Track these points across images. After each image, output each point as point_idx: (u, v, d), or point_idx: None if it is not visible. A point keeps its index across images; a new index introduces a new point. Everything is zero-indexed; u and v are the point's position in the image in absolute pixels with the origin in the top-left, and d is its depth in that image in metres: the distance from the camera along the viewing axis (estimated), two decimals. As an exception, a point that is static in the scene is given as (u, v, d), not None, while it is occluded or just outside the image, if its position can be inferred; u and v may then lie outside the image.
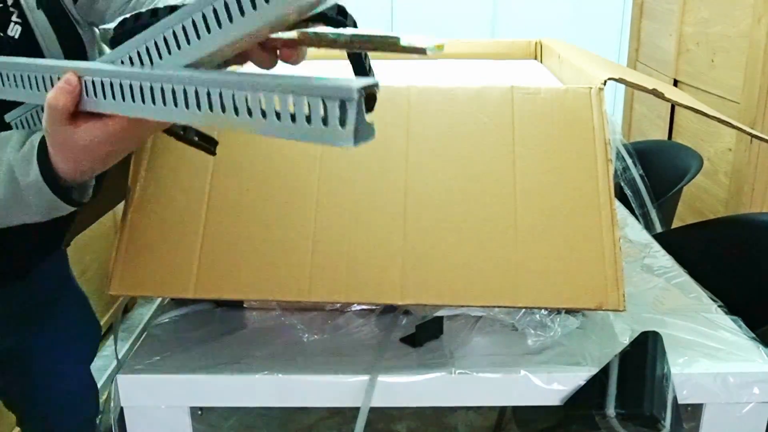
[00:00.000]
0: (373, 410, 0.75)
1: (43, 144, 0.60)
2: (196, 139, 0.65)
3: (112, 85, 0.53)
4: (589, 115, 0.82)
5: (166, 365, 0.78)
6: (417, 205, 0.80)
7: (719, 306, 0.89)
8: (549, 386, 0.75)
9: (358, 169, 0.82)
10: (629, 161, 1.22)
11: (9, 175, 0.61)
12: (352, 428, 0.75)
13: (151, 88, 0.50)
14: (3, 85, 0.62)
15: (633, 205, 1.25)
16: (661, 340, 0.78)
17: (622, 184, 1.22)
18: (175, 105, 0.49)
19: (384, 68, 1.30)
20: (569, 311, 0.83)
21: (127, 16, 0.61)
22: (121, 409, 0.77)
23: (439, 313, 0.83)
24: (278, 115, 0.42)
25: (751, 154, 1.48)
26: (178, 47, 0.50)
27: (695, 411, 0.77)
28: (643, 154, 1.33)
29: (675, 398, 0.73)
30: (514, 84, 0.84)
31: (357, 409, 0.75)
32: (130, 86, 0.51)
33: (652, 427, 0.71)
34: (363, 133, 0.40)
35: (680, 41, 1.88)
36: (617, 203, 0.96)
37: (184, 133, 0.65)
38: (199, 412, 0.80)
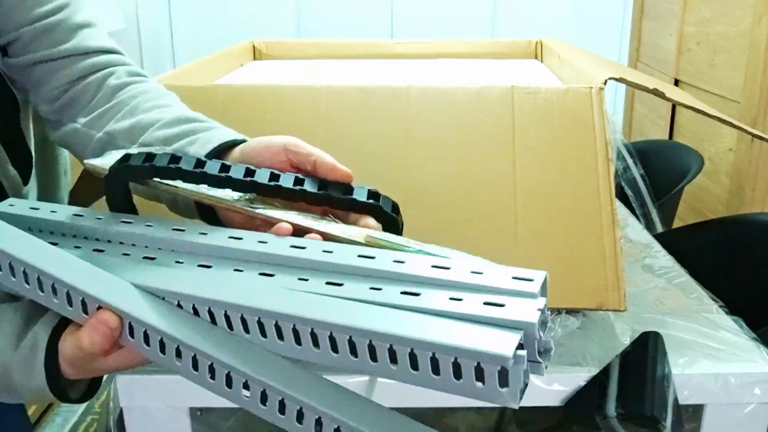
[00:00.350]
0: (373, 411, 0.75)
1: (50, 348, 0.50)
2: None
3: (166, 344, 0.43)
4: (590, 114, 0.82)
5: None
6: (416, 205, 0.79)
7: (720, 306, 0.89)
8: (549, 387, 0.75)
9: (357, 168, 0.82)
10: (630, 161, 1.22)
11: (3, 373, 0.51)
12: (352, 429, 0.74)
13: (230, 377, 0.41)
14: (13, 276, 0.48)
15: (634, 205, 1.24)
16: (662, 340, 0.78)
17: (623, 184, 1.22)
18: (263, 403, 0.41)
19: (384, 68, 1.30)
20: (569, 311, 0.83)
21: (133, 152, 0.53)
22: (121, 409, 0.77)
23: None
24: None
25: (752, 153, 1.47)
26: (281, 338, 0.40)
27: (696, 412, 0.77)
28: (644, 153, 1.32)
29: (676, 399, 0.73)
30: (514, 84, 0.84)
31: (357, 409, 0.75)
32: (194, 359, 0.42)
33: (653, 427, 0.71)
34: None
35: (681, 41, 1.88)
36: (618, 203, 0.96)
37: None
38: (199, 413, 0.80)
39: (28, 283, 0.48)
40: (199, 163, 0.51)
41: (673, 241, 1.12)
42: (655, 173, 1.31)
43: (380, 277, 0.42)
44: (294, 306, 0.40)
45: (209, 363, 0.42)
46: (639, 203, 1.24)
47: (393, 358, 0.37)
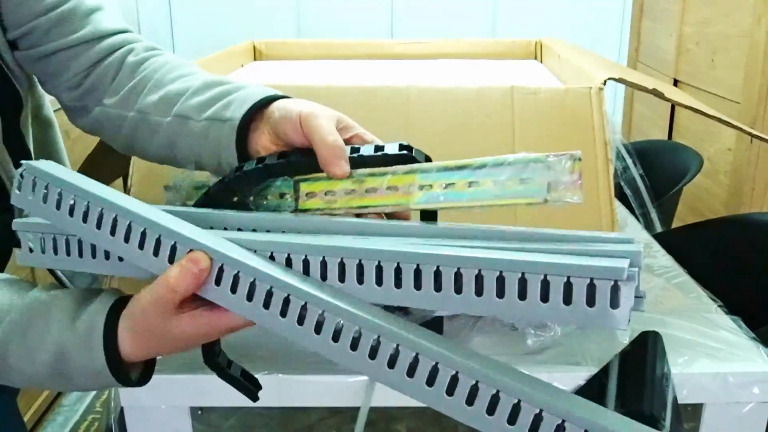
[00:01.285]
0: (373, 410, 0.75)
1: (109, 325, 0.48)
2: (239, 377, 0.55)
3: (255, 286, 0.43)
4: (589, 114, 0.82)
5: (166, 365, 0.78)
6: (417, 205, 0.80)
7: (719, 306, 0.89)
8: (549, 386, 0.75)
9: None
10: (629, 161, 1.22)
11: (58, 357, 0.49)
12: (352, 428, 0.74)
13: (322, 316, 0.41)
14: (98, 227, 0.48)
15: (633, 205, 1.25)
16: (661, 339, 0.78)
17: (622, 183, 1.22)
18: (353, 349, 0.40)
19: (384, 68, 1.31)
20: (569, 311, 0.83)
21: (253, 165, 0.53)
22: (121, 409, 0.77)
23: (439, 313, 0.83)
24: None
25: (751, 153, 1.47)
26: (378, 283, 0.41)
27: (695, 411, 0.77)
28: (643, 153, 1.33)
29: (675, 398, 0.73)
30: (514, 84, 0.84)
31: (357, 409, 0.75)
32: (287, 299, 0.42)
33: (653, 426, 0.71)
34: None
35: (680, 41, 1.88)
36: (617, 203, 0.96)
37: (228, 368, 0.55)
38: (199, 412, 0.80)
39: (113, 234, 0.47)
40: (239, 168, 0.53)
41: (673, 241, 1.12)
42: (655, 173, 1.31)
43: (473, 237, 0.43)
44: (390, 245, 0.41)
45: (302, 302, 0.41)
46: (638, 203, 1.24)
47: (501, 289, 0.37)
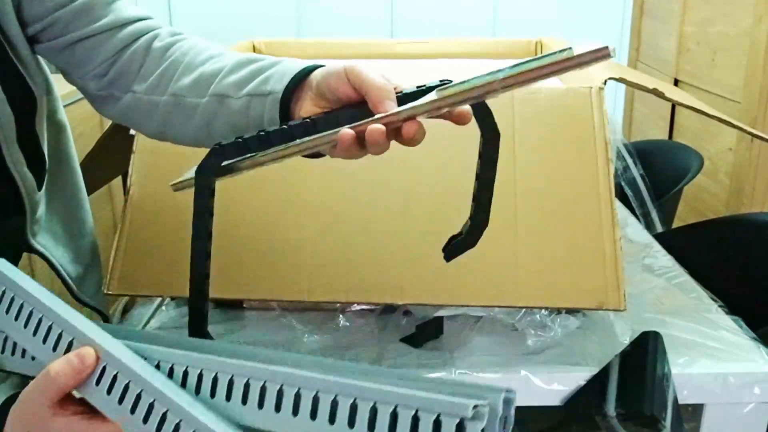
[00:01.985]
0: (373, 410, 0.75)
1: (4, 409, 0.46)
2: None
3: (128, 389, 0.42)
4: (590, 114, 0.82)
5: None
6: (417, 205, 0.79)
7: (720, 306, 0.89)
8: (549, 386, 0.75)
9: (357, 167, 0.82)
10: (630, 161, 1.22)
11: None
12: (351, 428, 0.74)
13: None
14: (6, 313, 0.48)
15: (633, 205, 1.24)
16: (662, 340, 0.78)
17: (623, 183, 1.22)
18: None
19: (384, 68, 1.30)
20: (569, 311, 0.83)
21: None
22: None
23: (439, 313, 0.83)
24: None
25: (751, 153, 1.47)
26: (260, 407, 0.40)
27: (696, 411, 0.77)
28: (644, 153, 1.32)
29: (675, 398, 0.73)
30: (514, 83, 0.84)
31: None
32: (152, 405, 0.41)
33: (653, 427, 0.71)
34: None
35: (681, 40, 1.88)
36: (617, 203, 0.96)
37: None
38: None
39: (14, 317, 0.48)
40: (285, 122, 0.54)
41: (673, 241, 1.12)
42: (655, 173, 1.31)
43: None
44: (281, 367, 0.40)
45: (164, 410, 0.40)
46: (639, 203, 1.24)
47: (352, 418, 0.36)
